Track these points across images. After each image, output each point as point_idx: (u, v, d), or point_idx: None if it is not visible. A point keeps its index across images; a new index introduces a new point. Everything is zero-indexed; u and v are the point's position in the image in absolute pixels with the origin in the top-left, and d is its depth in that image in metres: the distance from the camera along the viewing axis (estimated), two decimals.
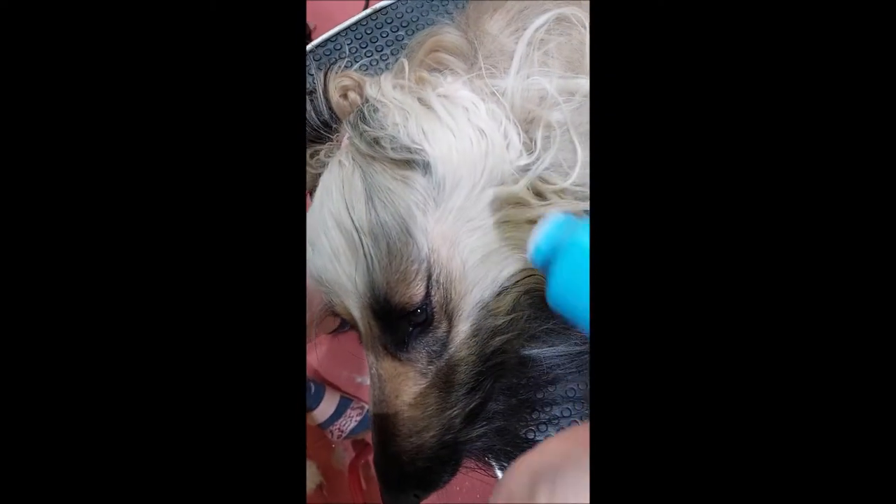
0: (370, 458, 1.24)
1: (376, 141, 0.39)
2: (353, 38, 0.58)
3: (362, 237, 0.38)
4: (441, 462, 0.40)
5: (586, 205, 0.43)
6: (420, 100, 0.40)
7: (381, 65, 0.58)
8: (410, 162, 0.38)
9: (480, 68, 0.40)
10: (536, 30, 0.39)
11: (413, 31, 0.58)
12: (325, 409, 1.21)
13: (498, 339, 0.43)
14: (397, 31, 0.59)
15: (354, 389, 1.30)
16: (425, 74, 0.41)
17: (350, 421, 1.23)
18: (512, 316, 0.43)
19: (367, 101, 0.41)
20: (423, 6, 0.59)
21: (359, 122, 0.40)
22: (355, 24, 0.59)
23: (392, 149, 0.39)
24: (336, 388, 1.26)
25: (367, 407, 1.26)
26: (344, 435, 1.21)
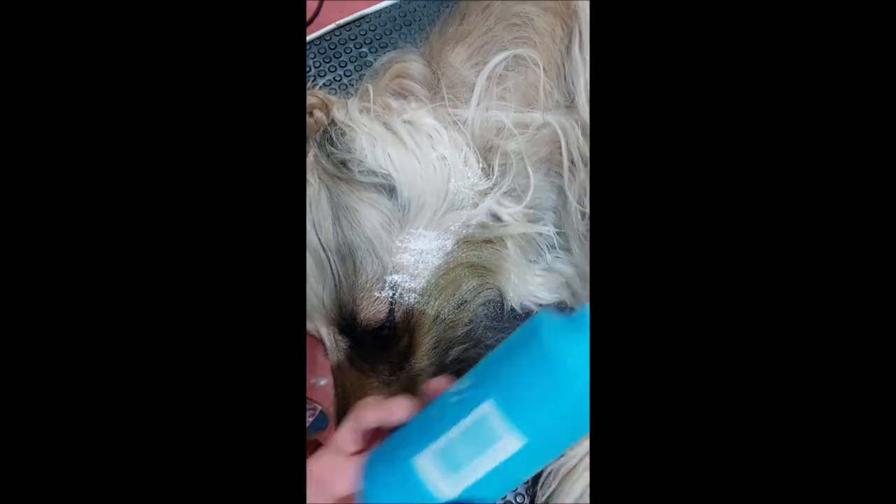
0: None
1: (344, 164, 0.41)
2: (316, 52, 0.59)
3: (330, 256, 0.40)
4: None
5: (538, 227, 0.46)
6: (386, 125, 0.42)
7: (345, 80, 0.60)
8: (377, 185, 0.41)
9: (444, 97, 0.43)
10: (496, 66, 0.42)
11: (376, 49, 0.60)
12: None
13: (456, 349, 0.46)
14: (360, 47, 0.61)
15: (308, 390, 1.29)
16: (391, 100, 0.44)
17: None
18: (469, 327, 0.46)
19: (334, 123, 0.43)
20: (385, 25, 0.61)
21: (326, 143, 0.42)
22: (318, 38, 0.60)
23: (359, 172, 0.41)
24: None
25: (319, 408, 1.26)
26: None
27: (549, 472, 0.47)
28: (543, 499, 0.47)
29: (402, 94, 0.45)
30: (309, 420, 1.35)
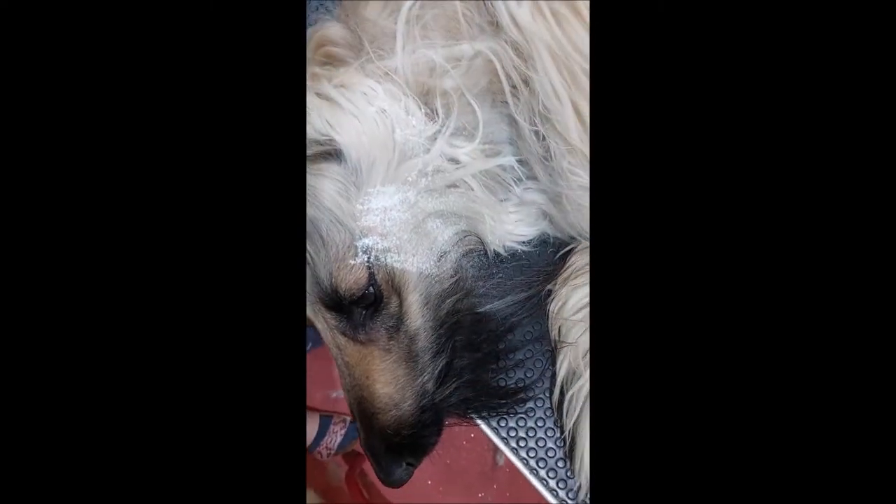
0: (364, 466, 1.24)
1: None
2: None
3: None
4: (424, 426, 0.43)
5: (497, 160, 0.46)
6: (318, 94, 0.41)
7: None
8: (323, 154, 0.40)
9: (368, 53, 0.42)
10: (410, 7, 0.41)
11: None
12: (307, 433, 1.20)
13: (448, 301, 0.45)
14: None
15: (331, 405, 1.29)
16: (317, 70, 0.43)
17: (336, 437, 1.22)
18: (456, 277, 0.46)
19: None
20: None
21: None
22: None
23: None
24: (313, 409, 1.25)
25: (348, 419, 1.26)
26: (333, 451, 1.21)
27: (571, 397, 0.46)
28: (570, 426, 0.47)
29: (329, 63, 0.44)
30: (342, 433, 1.34)
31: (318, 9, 0.59)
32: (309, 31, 0.47)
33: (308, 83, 0.42)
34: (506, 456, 0.50)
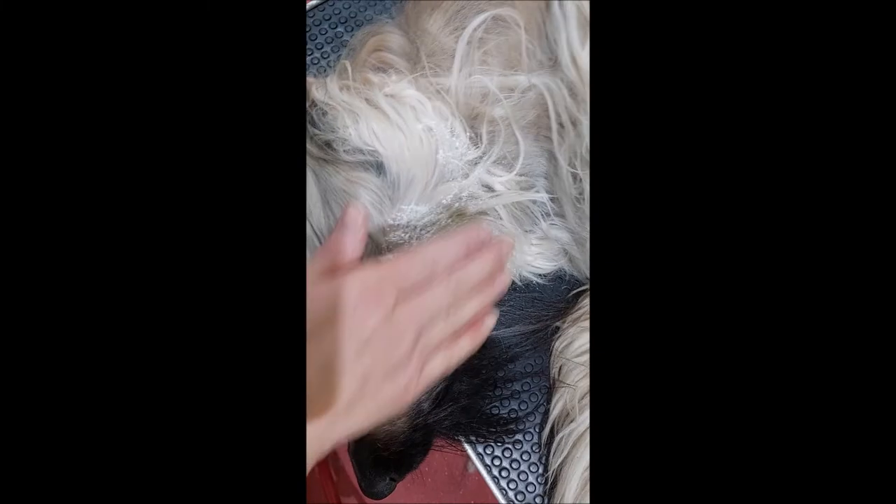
0: (337, 449, 1.25)
1: (328, 144, 0.40)
2: None
3: (322, 240, 0.39)
4: (413, 445, 0.43)
5: (530, 194, 0.46)
6: (368, 101, 0.41)
7: (323, 63, 0.58)
8: (364, 163, 0.40)
9: (424, 67, 0.42)
10: (475, 29, 0.41)
11: (352, 28, 0.58)
12: None
13: None
14: (336, 27, 0.59)
15: None
16: (370, 75, 0.42)
17: None
18: None
19: (314, 104, 0.41)
20: (360, 2, 0.59)
21: (308, 125, 0.41)
22: None
23: (345, 151, 0.40)
24: None
25: None
26: None
27: (561, 439, 0.47)
28: (555, 467, 0.47)
29: (382, 68, 0.44)
30: None
31: (376, 3, 0.59)
32: (365, 31, 0.47)
33: (359, 86, 0.42)
34: (476, 465, 0.50)
